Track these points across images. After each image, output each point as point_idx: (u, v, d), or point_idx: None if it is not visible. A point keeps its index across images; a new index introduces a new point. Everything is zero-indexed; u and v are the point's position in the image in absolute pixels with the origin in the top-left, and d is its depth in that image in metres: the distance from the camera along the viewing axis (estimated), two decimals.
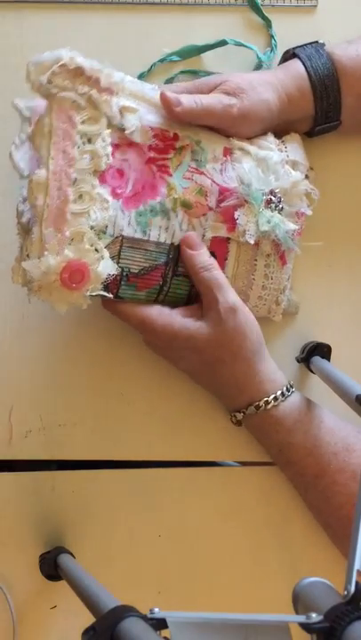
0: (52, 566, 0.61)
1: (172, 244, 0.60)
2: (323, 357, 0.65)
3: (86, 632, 0.40)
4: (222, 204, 0.60)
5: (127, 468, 0.67)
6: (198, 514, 0.67)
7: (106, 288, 0.57)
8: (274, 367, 0.63)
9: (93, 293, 0.56)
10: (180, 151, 0.60)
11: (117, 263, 0.58)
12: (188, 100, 0.58)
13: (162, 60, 0.67)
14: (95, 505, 0.66)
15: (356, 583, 0.37)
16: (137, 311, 0.59)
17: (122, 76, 0.56)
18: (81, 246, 0.55)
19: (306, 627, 0.35)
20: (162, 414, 0.67)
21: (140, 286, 0.59)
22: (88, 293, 0.56)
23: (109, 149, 0.56)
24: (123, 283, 0.58)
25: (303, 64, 0.62)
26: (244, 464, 0.67)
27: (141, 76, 0.67)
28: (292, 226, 0.61)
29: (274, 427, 0.62)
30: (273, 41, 0.67)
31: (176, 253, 0.60)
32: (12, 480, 0.66)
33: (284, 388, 0.62)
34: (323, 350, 0.65)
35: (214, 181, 0.60)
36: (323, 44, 0.63)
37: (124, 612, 0.40)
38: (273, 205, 0.61)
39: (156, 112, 0.59)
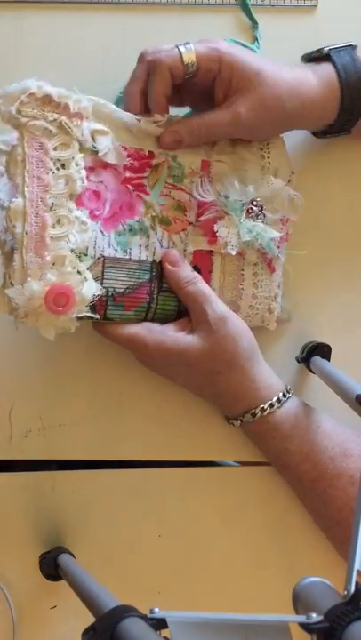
0: (52, 566, 0.61)
1: (153, 260, 0.60)
2: (323, 357, 0.65)
3: (86, 632, 0.40)
4: (201, 218, 0.60)
5: (127, 467, 0.67)
6: (198, 514, 0.67)
7: (93, 309, 0.57)
8: (269, 372, 0.63)
9: (80, 315, 0.56)
10: (157, 168, 0.60)
11: (102, 284, 0.58)
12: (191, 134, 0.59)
13: None
14: (95, 505, 0.66)
15: (357, 583, 0.37)
16: (127, 331, 0.59)
17: (92, 100, 0.57)
18: (63, 269, 0.55)
19: (306, 627, 0.35)
20: (162, 414, 0.67)
21: (127, 305, 0.59)
22: (75, 315, 0.56)
23: (83, 172, 0.56)
24: (109, 303, 0.58)
25: (338, 75, 0.60)
26: (244, 464, 0.67)
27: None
28: (275, 233, 0.61)
29: (270, 433, 0.62)
30: (256, 43, 0.67)
31: (159, 270, 0.60)
32: (12, 480, 0.66)
33: (281, 394, 0.62)
34: (323, 350, 0.65)
35: (192, 196, 0.61)
36: (355, 47, 0.61)
37: (124, 611, 0.40)
38: (254, 215, 0.61)
39: (129, 131, 0.59)
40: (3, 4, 0.67)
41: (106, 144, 0.57)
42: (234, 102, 0.58)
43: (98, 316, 0.58)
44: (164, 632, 0.37)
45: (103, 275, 0.58)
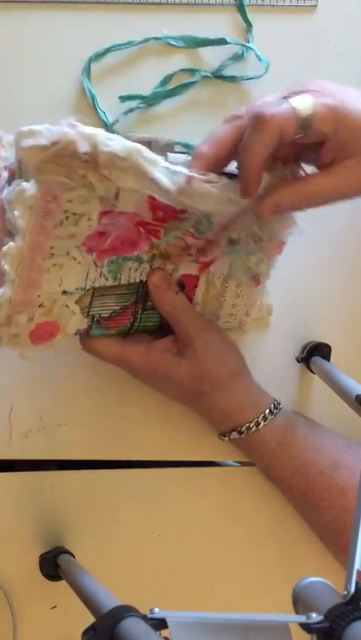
0: (52, 566, 0.61)
1: (140, 281, 0.57)
2: (323, 357, 0.65)
3: (86, 632, 0.40)
4: (202, 259, 0.58)
5: (127, 468, 0.67)
6: (198, 514, 0.67)
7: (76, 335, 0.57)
8: (257, 390, 0.63)
9: (61, 347, 0.56)
10: (182, 220, 0.54)
11: (88, 313, 0.56)
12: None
13: (157, 39, 0.67)
14: (95, 505, 0.66)
15: (357, 583, 0.37)
16: (115, 351, 0.59)
17: (128, 148, 0.47)
18: (52, 309, 0.53)
19: (306, 627, 0.35)
20: (162, 414, 0.66)
21: (111, 326, 0.58)
22: (56, 346, 0.56)
23: (95, 223, 0.50)
24: (94, 327, 0.57)
25: None
26: (244, 464, 0.67)
27: (131, 43, 0.66)
28: (272, 260, 0.59)
29: (259, 449, 0.62)
30: (246, 45, 0.66)
31: (145, 290, 0.58)
32: (11, 480, 0.66)
33: (267, 411, 0.61)
34: (323, 350, 0.65)
35: (207, 240, 0.56)
36: None
37: (124, 611, 0.40)
38: (255, 250, 0.58)
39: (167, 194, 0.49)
40: (2, 4, 0.67)
41: (129, 204, 0.50)
42: (347, 168, 0.49)
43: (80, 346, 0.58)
44: (164, 632, 0.37)
45: (91, 304, 0.56)
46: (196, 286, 0.60)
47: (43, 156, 0.45)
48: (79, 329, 0.56)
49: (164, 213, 0.53)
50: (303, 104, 0.47)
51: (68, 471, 0.67)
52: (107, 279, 0.56)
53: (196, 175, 0.49)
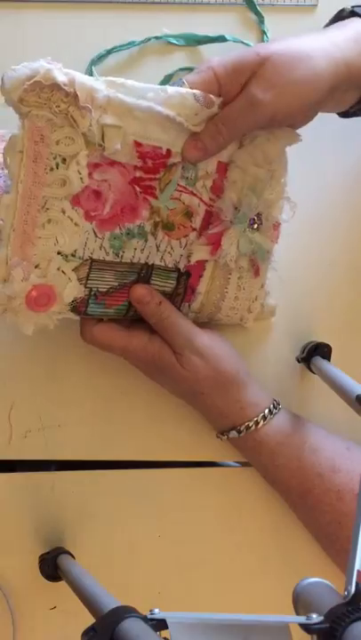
0: (52, 567, 0.61)
1: (145, 263, 0.58)
2: (323, 357, 0.65)
3: (86, 633, 0.40)
4: (211, 231, 0.58)
5: (127, 468, 0.67)
6: (198, 514, 0.67)
7: (74, 309, 0.57)
8: (256, 390, 0.62)
9: (60, 317, 0.56)
10: (170, 169, 0.55)
11: (85, 284, 0.56)
12: (210, 142, 0.54)
13: (158, 38, 0.67)
14: (95, 505, 0.66)
15: (357, 583, 0.37)
16: (117, 338, 0.59)
17: (108, 84, 0.51)
18: (47, 270, 0.54)
19: (306, 627, 0.35)
20: (161, 414, 0.66)
21: (108, 304, 0.58)
22: (55, 317, 0.56)
23: (85, 172, 0.52)
24: (91, 301, 0.57)
25: None
26: (244, 464, 0.67)
27: (132, 44, 0.66)
28: (271, 245, 0.60)
29: (257, 449, 0.62)
30: (265, 37, 0.67)
31: (148, 272, 0.58)
32: (12, 480, 0.66)
33: (267, 411, 0.61)
34: (323, 350, 0.65)
35: (202, 201, 0.58)
36: None
37: (124, 612, 0.40)
38: (255, 225, 0.59)
39: (150, 125, 0.53)
40: (2, 4, 0.67)
41: (115, 143, 0.52)
42: (246, 87, 0.52)
43: (77, 317, 0.58)
44: (164, 633, 0.37)
45: (88, 276, 0.56)
46: (201, 275, 0.60)
47: (24, 87, 0.48)
48: (76, 298, 0.56)
49: (154, 163, 0.54)
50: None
51: (67, 471, 0.67)
52: (107, 253, 0.56)
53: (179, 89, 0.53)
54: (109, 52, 0.66)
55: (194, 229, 0.58)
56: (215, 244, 0.59)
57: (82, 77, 0.50)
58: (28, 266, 0.53)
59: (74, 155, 0.51)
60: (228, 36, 0.67)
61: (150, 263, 0.58)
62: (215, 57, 0.54)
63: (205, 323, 0.63)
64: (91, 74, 0.66)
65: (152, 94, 0.52)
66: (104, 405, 0.67)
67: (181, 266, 0.60)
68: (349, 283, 0.68)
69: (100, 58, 0.66)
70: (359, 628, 0.34)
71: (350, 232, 0.68)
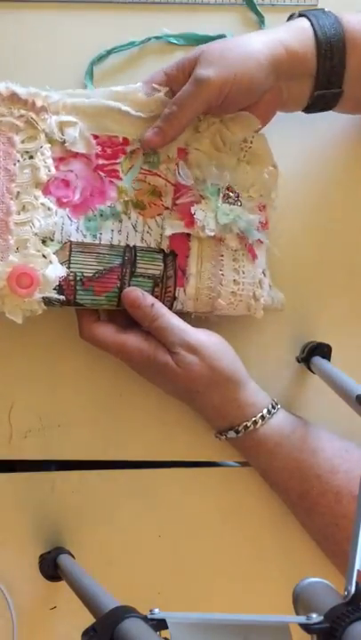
0: (51, 566, 0.61)
1: (127, 245, 0.60)
2: (323, 357, 0.65)
3: (86, 632, 0.40)
4: (178, 202, 0.61)
5: (127, 468, 0.67)
6: (198, 514, 0.67)
7: (60, 292, 0.58)
8: (254, 389, 0.62)
9: (46, 294, 0.58)
10: (131, 155, 0.61)
11: (68, 267, 0.59)
12: (165, 124, 0.58)
13: (158, 37, 0.67)
14: (95, 505, 0.66)
15: (357, 583, 0.37)
16: (114, 336, 0.59)
17: (62, 95, 0.60)
18: (26, 252, 0.58)
19: (306, 627, 0.35)
20: (161, 414, 0.66)
21: (97, 290, 0.59)
22: (40, 296, 0.57)
23: (50, 161, 0.59)
24: (78, 287, 0.59)
25: (309, 21, 0.58)
26: (243, 464, 0.67)
27: (132, 44, 0.66)
28: (252, 216, 0.61)
29: (255, 449, 0.62)
30: None
31: (132, 255, 0.60)
32: (12, 480, 0.66)
33: (265, 411, 0.61)
34: (323, 350, 0.65)
35: (168, 181, 0.61)
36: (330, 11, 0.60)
37: (124, 612, 0.40)
38: (231, 201, 0.61)
39: (102, 119, 0.60)
40: (2, 4, 0.67)
41: (72, 134, 0.59)
42: (195, 70, 0.57)
43: (63, 297, 0.59)
44: (164, 633, 0.37)
45: (70, 259, 0.59)
46: (187, 256, 0.61)
47: None
48: (61, 282, 0.58)
49: (111, 149, 0.61)
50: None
51: (67, 471, 0.67)
52: (84, 236, 0.60)
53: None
54: (109, 52, 0.66)
55: (166, 208, 0.61)
56: (188, 216, 0.60)
57: (35, 89, 0.59)
58: (7, 247, 0.57)
59: (38, 148, 0.58)
60: (228, 35, 0.67)
61: (132, 245, 0.60)
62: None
63: (208, 323, 0.63)
64: (91, 74, 0.66)
65: (100, 92, 0.61)
66: (104, 405, 0.67)
67: (164, 246, 0.61)
68: (349, 283, 0.68)
69: (100, 58, 0.66)
70: (359, 627, 0.34)
71: (350, 232, 0.68)
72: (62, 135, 0.59)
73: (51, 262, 0.58)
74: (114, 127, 0.60)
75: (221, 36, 0.66)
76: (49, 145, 0.59)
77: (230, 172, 0.61)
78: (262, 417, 0.61)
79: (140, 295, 0.59)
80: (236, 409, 0.61)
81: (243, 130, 0.60)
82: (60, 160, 0.60)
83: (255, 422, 0.61)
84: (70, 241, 0.59)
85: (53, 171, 0.59)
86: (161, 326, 0.59)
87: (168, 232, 0.61)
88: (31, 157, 0.58)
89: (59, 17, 0.67)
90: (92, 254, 0.60)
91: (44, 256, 0.58)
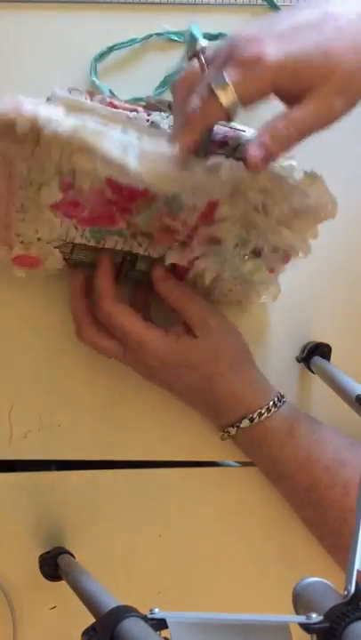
0: (52, 566, 0.61)
1: (129, 251, 0.59)
2: (323, 357, 0.65)
3: (86, 632, 0.40)
4: (192, 243, 0.57)
5: (127, 468, 0.67)
6: (198, 514, 0.67)
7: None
8: (263, 375, 0.63)
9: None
10: (150, 200, 0.53)
11: (69, 259, 0.59)
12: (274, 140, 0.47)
13: (159, 34, 0.67)
14: (95, 505, 0.66)
15: (357, 583, 0.37)
16: (135, 328, 0.59)
17: (78, 128, 0.47)
18: (30, 249, 0.57)
19: (306, 627, 0.35)
20: (161, 414, 0.66)
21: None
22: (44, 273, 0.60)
23: (58, 193, 0.51)
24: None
25: None
26: (244, 464, 0.67)
27: (133, 41, 0.66)
28: (265, 277, 0.60)
29: (267, 439, 0.61)
30: None
31: (133, 257, 0.60)
32: (12, 480, 0.66)
33: (276, 398, 0.61)
34: (323, 350, 0.65)
35: (187, 224, 0.55)
36: None
37: (124, 612, 0.40)
38: (249, 256, 0.58)
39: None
40: (2, 4, 0.67)
41: (85, 179, 0.51)
42: (316, 91, 0.46)
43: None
44: (164, 632, 0.37)
45: (72, 254, 0.59)
46: (184, 280, 0.61)
47: None
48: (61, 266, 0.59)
49: (130, 192, 0.51)
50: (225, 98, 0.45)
51: (67, 471, 0.67)
52: (88, 241, 0.57)
53: (149, 147, 0.48)
54: (111, 49, 0.66)
55: (177, 240, 0.57)
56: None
57: (47, 119, 0.46)
58: (12, 242, 0.56)
59: (45, 182, 0.51)
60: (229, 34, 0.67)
61: (135, 252, 0.59)
62: (261, 42, 0.46)
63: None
64: (95, 71, 0.66)
65: (129, 147, 0.49)
66: (104, 405, 0.67)
67: (167, 261, 0.59)
68: (349, 283, 0.68)
69: (101, 55, 0.66)
70: (359, 627, 0.34)
71: (350, 232, 0.68)
72: (75, 179, 0.51)
73: (53, 255, 0.57)
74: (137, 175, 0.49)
75: (221, 35, 0.66)
76: (58, 180, 0.50)
77: (262, 231, 0.55)
78: (274, 404, 0.61)
79: (167, 270, 0.60)
80: (253, 394, 0.61)
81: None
82: (67, 187, 0.51)
83: (269, 409, 0.61)
84: (74, 243, 0.58)
85: (61, 197, 0.51)
86: (187, 299, 0.60)
87: (168, 261, 0.59)
88: (33, 183, 0.51)
89: (59, 17, 0.67)
90: (96, 250, 0.59)
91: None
